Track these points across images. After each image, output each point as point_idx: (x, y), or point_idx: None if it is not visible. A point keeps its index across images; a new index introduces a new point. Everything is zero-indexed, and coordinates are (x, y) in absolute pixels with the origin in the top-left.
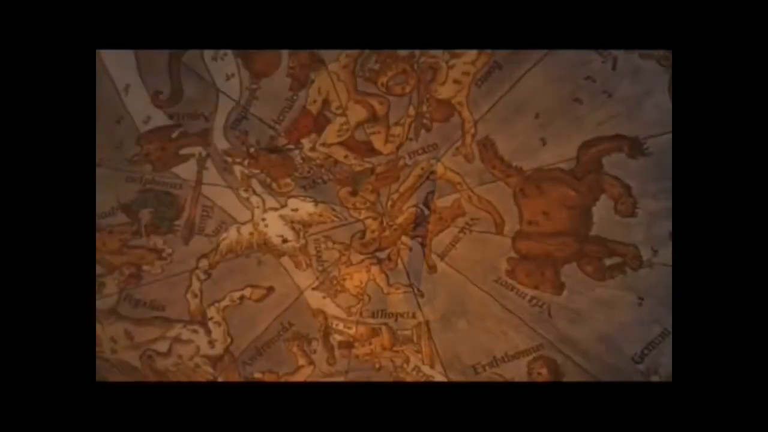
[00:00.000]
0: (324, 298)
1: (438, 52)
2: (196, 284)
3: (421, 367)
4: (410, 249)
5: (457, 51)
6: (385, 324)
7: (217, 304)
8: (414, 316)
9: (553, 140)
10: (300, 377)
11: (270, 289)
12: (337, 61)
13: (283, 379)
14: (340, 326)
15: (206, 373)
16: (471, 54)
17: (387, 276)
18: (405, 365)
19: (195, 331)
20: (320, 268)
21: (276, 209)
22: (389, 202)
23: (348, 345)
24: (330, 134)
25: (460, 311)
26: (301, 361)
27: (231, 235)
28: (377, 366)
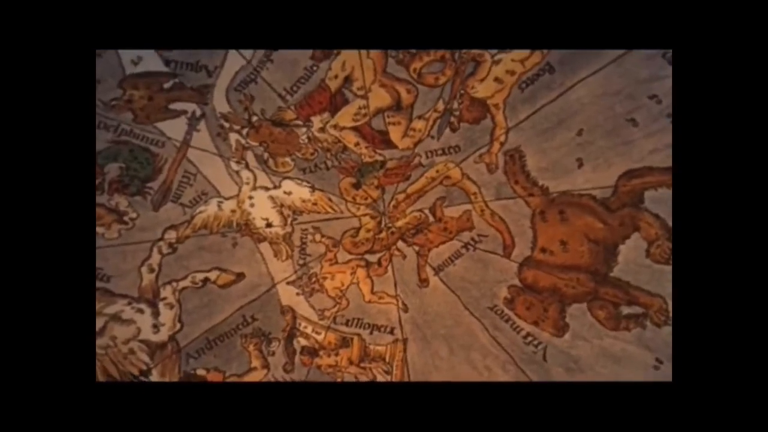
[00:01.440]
0: (298, 294)
1: None
2: (155, 257)
3: None
4: (404, 256)
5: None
6: (358, 335)
7: (174, 284)
8: (392, 331)
9: (592, 163)
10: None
11: (240, 276)
12: None
13: (229, 380)
14: (308, 329)
15: (139, 362)
16: (522, 50)
17: (372, 282)
18: None
19: (140, 311)
20: (301, 262)
21: (267, 189)
22: (393, 202)
23: (312, 352)
24: (345, 116)
25: (445, 335)
26: (255, 363)
27: (210, 209)
28: (339, 381)
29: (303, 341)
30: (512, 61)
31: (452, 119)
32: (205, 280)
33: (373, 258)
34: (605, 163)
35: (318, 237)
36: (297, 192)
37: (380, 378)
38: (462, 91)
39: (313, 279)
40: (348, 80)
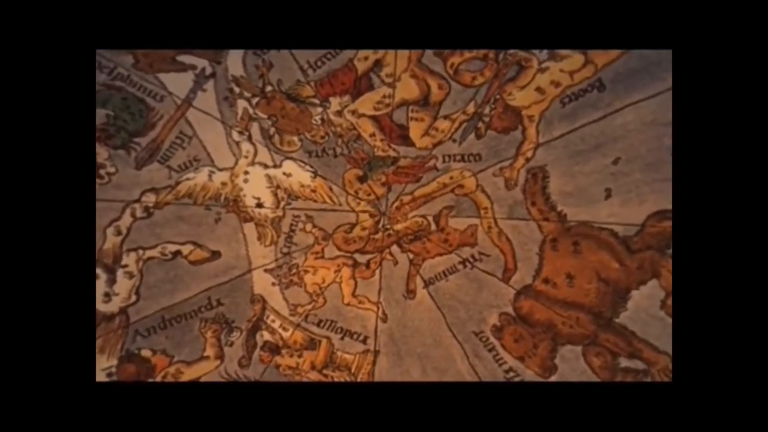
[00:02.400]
0: (273, 284)
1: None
2: (126, 219)
3: None
4: (396, 262)
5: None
6: (328, 338)
7: (140, 252)
8: (365, 340)
9: (623, 196)
10: (195, 371)
11: (215, 254)
12: None
13: (174, 368)
14: (276, 323)
15: None
16: (576, 59)
17: (356, 284)
18: None
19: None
20: (285, 250)
21: (266, 167)
22: (396, 203)
23: (274, 349)
24: (366, 103)
25: (420, 354)
26: (209, 351)
27: (199, 178)
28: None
29: (267, 336)
30: (560, 71)
31: (480, 125)
32: (177, 253)
33: (362, 258)
34: (637, 199)
35: (309, 227)
36: (297, 175)
37: None
38: (497, 96)
39: (294, 270)
40: (378, 64)
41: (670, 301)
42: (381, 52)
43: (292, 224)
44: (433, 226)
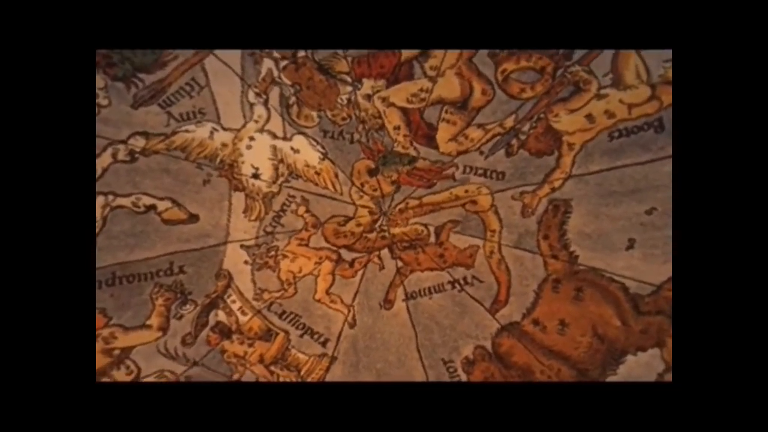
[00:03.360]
0: (246, 263)
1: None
2: (105, 159)
3: None
4: (382, 267)
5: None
6: (287, 333)
7: (110, 197)
8: (325, 343)
9: (646, 250)
10: (131, 339)
11: (193, 218)
12: None
13: (107, 331)
14: (235, 305)
15: None
16: (642, 92)
17: (333, 281)
18: None
19: None
20: (269, 229)
21: (275, 136)
22: (401, 205)
23: (225, 332)
24: (400, 92)
25: (379, 371)
26: (153, 321)
27: (199, 133)
28: (234, 377)
29: (222, 316)
30: (620, 102)
31: (514, 142)
32: (151, 207)
33: (348, 256)
34: (662, 257)
35: (302, 210)
36: (305, 153)
37: None
38: (542, 115)
39: (272, 252)
40: (425, 54)
41: (668, 376)
42: None
43: (284, 203)
44: (433, 238)
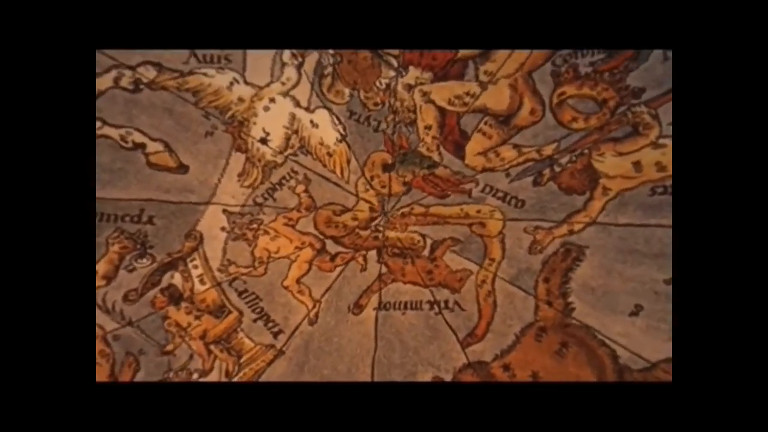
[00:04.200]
0: (222, 229)
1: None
2: (105, 81)
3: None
4: (363, 269)
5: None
6: (240, 313)
7: (97, 124)
8: (277, 335)
9: (652, 322)
10: None
11: (182, 168)
12: None
13: None
14: (196, 271)
15: None
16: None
17: (308, 271)
18: (195, 373)
19: None
20: (260, 200)
21: (298, 104)
22: (405, 209)
23: (175, 297)
24: (444, 91)
25: (324, 377)
26: (101, 267)
27: (217, 80)
28: (168, 348)
29: (177, 279)
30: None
31: (546, 171)
32: (140, 146)
33: (332, 248)
34: (666, 334)
35: (300, 189)
36: (324, 130)
37: (213, 375)
38: (586, 151)
39: (254, 225)
40: (484, 55)
41: None
42: None
43: (284, 177)
44: (427, 252)
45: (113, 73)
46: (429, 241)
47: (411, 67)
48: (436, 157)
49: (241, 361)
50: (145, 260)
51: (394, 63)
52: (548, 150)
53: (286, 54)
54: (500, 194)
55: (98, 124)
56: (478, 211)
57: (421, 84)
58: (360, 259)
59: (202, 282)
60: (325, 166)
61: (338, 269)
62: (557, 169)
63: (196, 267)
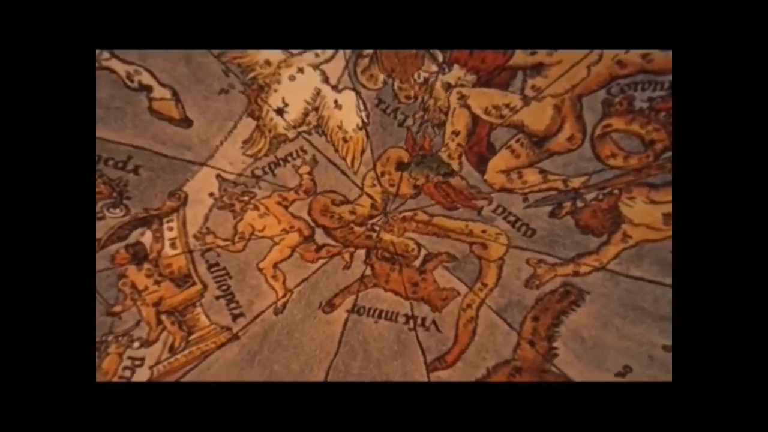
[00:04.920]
0: (210, 195)
1: None
2: None
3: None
4: (347, 266)
5: None
6: (204, 287)
7: (104, 54)
8: (237, 317)
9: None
10: None
11: (185, 122)
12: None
13: None
14: (170, 233)
15: None
16: None
17: (289, 257)
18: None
19: None
20: (259, 173)
21: (326, 81)
22: (407, 213)
23: (140, 255)
24: (483, 98)
25: (273, 372)
26: None
27: None
28: (115, 309)
29: (147, 238)
30: None
31: (567, 205)
32: (146, 88)
33: (321, 238)
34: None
35: (305, 170)
36: (346, 113)
37: (154, 350)
38: (616, 191)
39: (246, 197)
40: (538, 68)
41: None
42: (556, 55)
43: (291, 154)
44: (418, 262)
45: None
46: (423, 252)
47: (456, 66)
48: (455, 165)
49: (191, 338)
50: (118, 211)
51: (440, 57)
52: (576, 182)
53: None
54: (512, 218)
55: (105, 54)
56: (484, 231)
57: (462, 86)
58: (346, 256)
59: (173, 246)
60: (337, 151)
61: (321, 261)
62: (580, 204)
63: (171, 229)
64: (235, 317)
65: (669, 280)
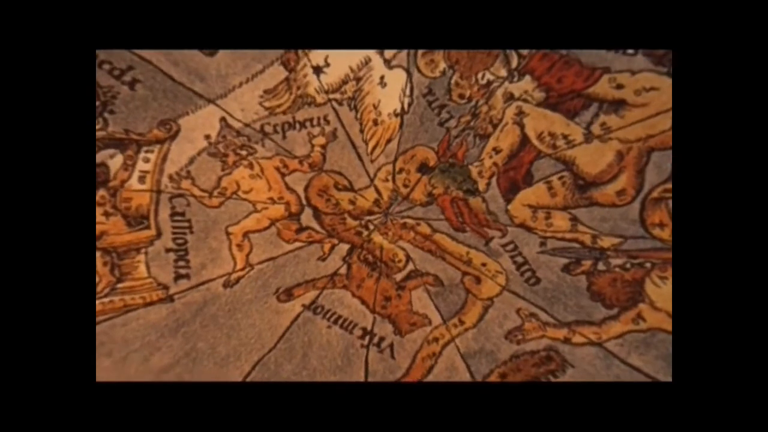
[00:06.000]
0: (206, 137)
1: None
2: None
3: None
4: (323, 257)
5: None
6: (158, 236)
7: None
8: (180, 278)
9: None
10: None
11: (212, 54)
12: None
13: None
14: (145, 165)
15: None
16: None
17: (265, 229)
18: None
19: None
20: (269, 129)
21: (381, 53)
22: (409, 221)
23: (98, 179)
24: (542, 121)
25: (190, 352)
26: None
27: None
28: None
29: (115, 162)
30: None
31: (586, 263)
32: None
33: (308, 220)
34: None
35: (320, 142)
36: (389, 94)
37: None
38: (648, 265)
39: (245, 152)
40: (620, 103)
41: None
42: (644, 97)
43: (311, 121)
44: (400, 276)
45: None
46: (410, 267)
47: (527, 77)
48: (482, 185)
49: (119, 286)
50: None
51: (515, 62)
52: (607, 242)
53: None
54: (520, 259)
55: None
56: (484, 264)
57: (525, 101)
58: (327, 247)
59: (141, 180)
60: (362, 131)
61: (297, 244)
62: (601, 267)
63: (146, 161)
64: (178, 277)
65: (669, 379)
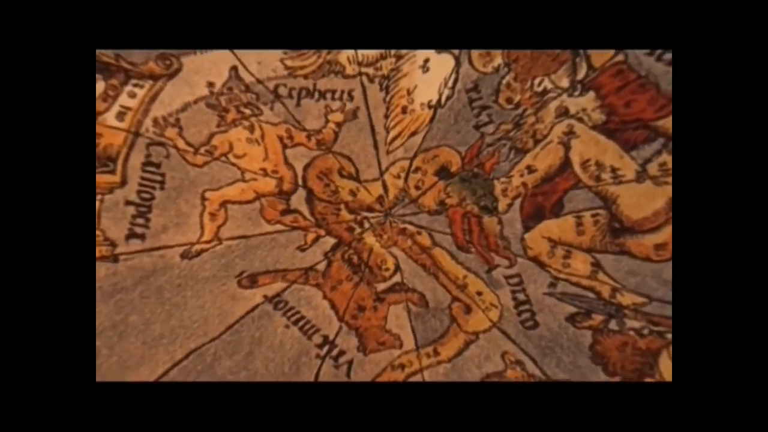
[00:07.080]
0: (210, 85)
1: None
2: None
3: None
4: (303, 248)
5: None
6: (120, 184)
7: None
8: (131, 237)
9: None
10: None
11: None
12: None
13: None
14: (129, 101)
15: None
16: None
17: (250, 203)
18: None
19: None
20: (283, 91)
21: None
22: (411, 227)
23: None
24: (593, 147)
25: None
26: None
27: None
28: None
29: (96, 90)
30: None
31: (596, 317)
32: None
33: (297, 202)
34: None
35: (336, 118)
36: (427, 81)
37: None
38: (668, 335)
39: (250, 112)
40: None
41: None
42: None
43: (333, 93)
44: (383, 287)
45: None
46: (396, 279)
47: (591, 93)
48: (502, 204)
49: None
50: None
51: (582, 73)
52: (628, 299)
53: None
54: (521, 297)
55: None
56: (479, 294)
57: (580, 120)
58: (310, 237)
59: (120, 117)
60: (386, 117)
61: (278, 227)
62: (614, 326)
63: (132, 96)
64: (131, 236)
65: None
